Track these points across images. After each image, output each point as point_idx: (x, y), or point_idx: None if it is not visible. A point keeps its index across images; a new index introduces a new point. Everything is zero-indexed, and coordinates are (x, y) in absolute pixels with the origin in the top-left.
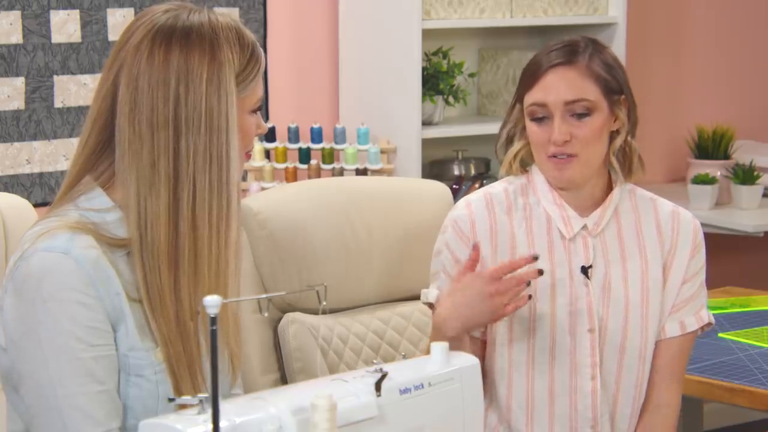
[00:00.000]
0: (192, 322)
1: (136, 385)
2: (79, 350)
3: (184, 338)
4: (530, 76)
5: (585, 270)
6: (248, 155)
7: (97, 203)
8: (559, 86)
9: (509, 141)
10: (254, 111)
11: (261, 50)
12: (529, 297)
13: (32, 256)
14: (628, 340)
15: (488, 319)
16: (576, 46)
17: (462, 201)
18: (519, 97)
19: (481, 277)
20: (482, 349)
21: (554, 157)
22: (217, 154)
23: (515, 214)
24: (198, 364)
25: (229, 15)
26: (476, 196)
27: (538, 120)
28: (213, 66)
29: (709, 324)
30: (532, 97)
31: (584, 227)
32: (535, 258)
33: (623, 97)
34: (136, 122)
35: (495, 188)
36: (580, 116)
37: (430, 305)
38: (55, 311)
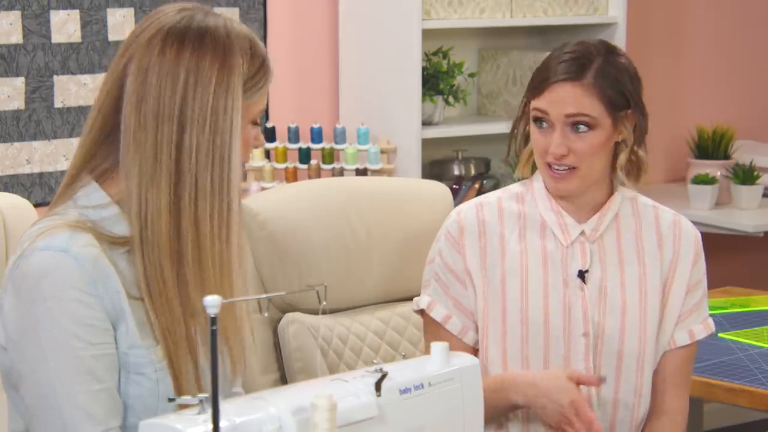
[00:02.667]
0: (193, 320)
1: (136, 384)
2: (79, 349)
3: (188, 335)
4: (538, 84)
5: (582, 274)
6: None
7: (94, 198)
8: (562, 101)
9: (521, 139)
10: (255, 123)
11: (271, 66)
12: None
13: (31, 255)
14: (626, 346)
15: (549, 422)
16: (588, 57)
17: (454, 210)
18: (527, 100)
19: (570, 394)
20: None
21: (552, 168)
22: (220, 154)
23: (507, 220)
24: (199, 362)
25: (244, 24)
26: (467, 205)
27: (540, 126)
28: (224, 70)
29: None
30: (537, 103)
31: (582, 233)
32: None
33: (629, 111)
34: (142, 113)
35: (488, 197)
36: (579, 130)
37: (422, 312)
38: (54, 310)
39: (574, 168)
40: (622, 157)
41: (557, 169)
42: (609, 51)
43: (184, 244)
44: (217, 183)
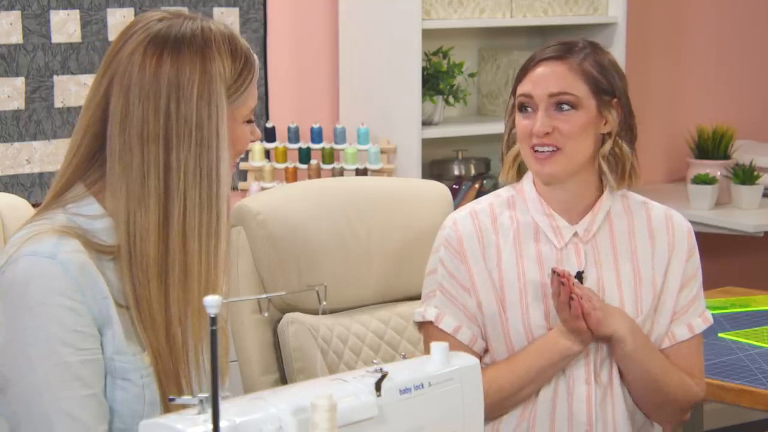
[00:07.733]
0: (180, 330)
1: (122, 389)
2: (66, 354)
3: (171, 346)
4: (522, 70)
5: (579, 275)
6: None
7: (86, 210)
8: (546, 79)
9: (512, 142)
10: (248, 120)
11: (255, 58)
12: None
13: (18, 261)
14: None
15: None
16: (573, 45)
17: (449, 219)
18: (513, 93)
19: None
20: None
21: (537, 151)
22: (207, 169)
23: (501, 227)
24: (184, 370)
25: (223, 23)
26: (461, 213)
27: (524, 112)
28: (204, 80)
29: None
30: (521, 89)
31: (575, 234)
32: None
33: (615, 100)
34: (127, 134)
35: (480, 203)
36: (563, 109)
37: (421, 325)
38: (41, 316)
39: (558, 149)
40: (606, 147)
41: (541, 151)
42: (595, 45)
43: (171, 261)
44: (205, 197)
